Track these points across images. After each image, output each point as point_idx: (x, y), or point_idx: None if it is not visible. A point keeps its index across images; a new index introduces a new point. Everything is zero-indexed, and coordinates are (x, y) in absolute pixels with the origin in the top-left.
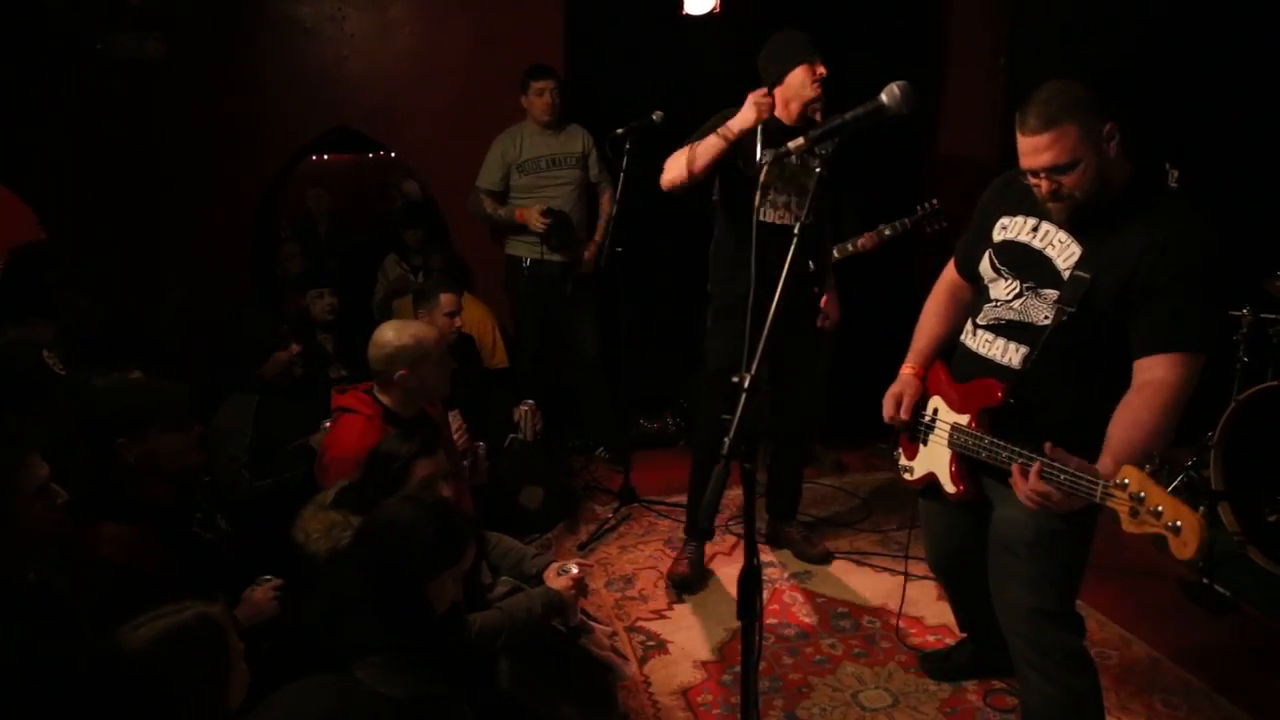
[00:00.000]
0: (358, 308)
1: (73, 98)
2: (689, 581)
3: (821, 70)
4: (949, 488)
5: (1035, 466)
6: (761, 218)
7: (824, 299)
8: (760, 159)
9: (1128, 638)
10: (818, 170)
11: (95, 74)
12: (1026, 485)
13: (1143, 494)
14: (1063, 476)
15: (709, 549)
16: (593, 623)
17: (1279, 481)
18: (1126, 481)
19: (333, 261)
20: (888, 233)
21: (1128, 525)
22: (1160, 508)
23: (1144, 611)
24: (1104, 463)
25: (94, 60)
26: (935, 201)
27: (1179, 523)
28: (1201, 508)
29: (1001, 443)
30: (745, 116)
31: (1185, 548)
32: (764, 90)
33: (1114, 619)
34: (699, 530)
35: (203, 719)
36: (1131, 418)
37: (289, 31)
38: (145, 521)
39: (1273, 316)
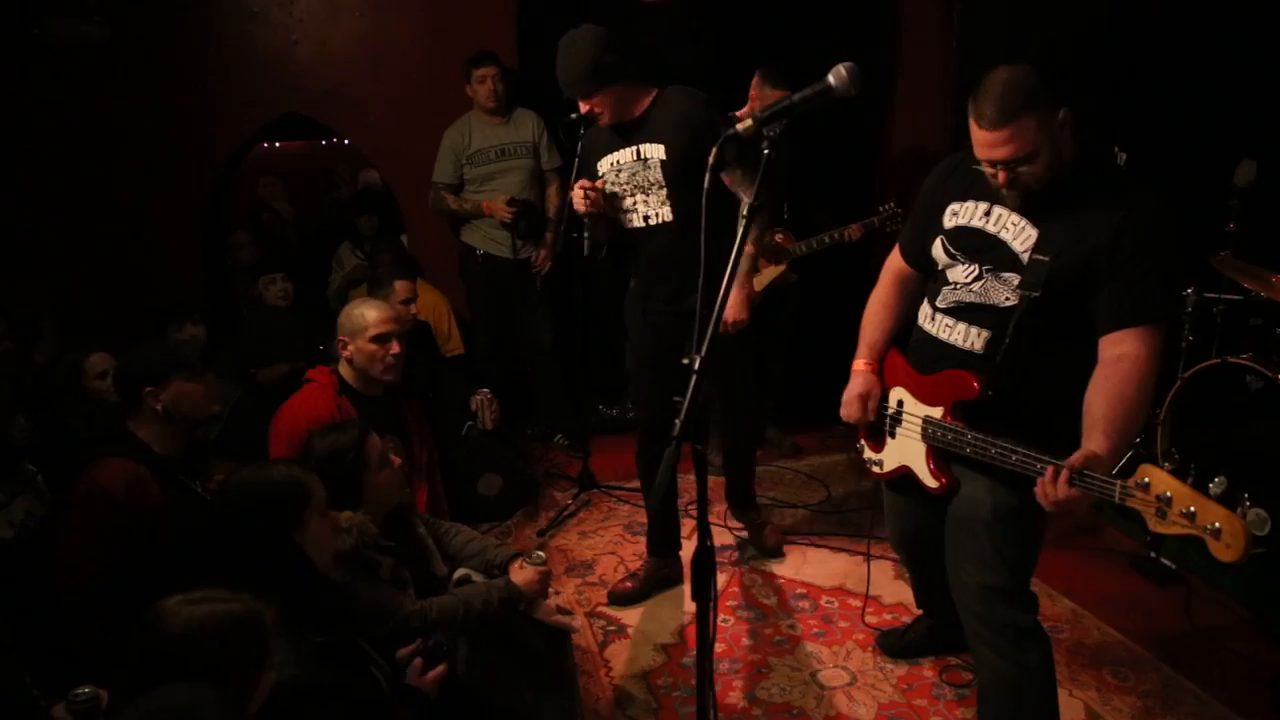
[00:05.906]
0: (316, 296)
1: (12, 84)
2: (631, 596)
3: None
4: (930, 483)
5: (1064, 475)
6: (633, 224)
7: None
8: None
9: (1079, 612)
10: (766, 152)
11: (35, 60)
12: (1056, 493)
13: (1169, 494)
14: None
15: None
16: None
17: (1223, 456)
18: (1148, 481)
19: (286, 249)
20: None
21: (1155, 525)
22: (1193, 509)
23: (1093, 585)
24: (1096, 440)
25: (33, 45)
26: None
27: (1218, 525)
28: (1240, 507)
29: (988, 438)
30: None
31: (1229, 550)
32: (584, 181)
33: (1064, 593)
34: (661, 544)
35: (225, 710)
36: (1115, 392)
37: (236, 15)
38: (148, 465)
39: (1216, 295)
